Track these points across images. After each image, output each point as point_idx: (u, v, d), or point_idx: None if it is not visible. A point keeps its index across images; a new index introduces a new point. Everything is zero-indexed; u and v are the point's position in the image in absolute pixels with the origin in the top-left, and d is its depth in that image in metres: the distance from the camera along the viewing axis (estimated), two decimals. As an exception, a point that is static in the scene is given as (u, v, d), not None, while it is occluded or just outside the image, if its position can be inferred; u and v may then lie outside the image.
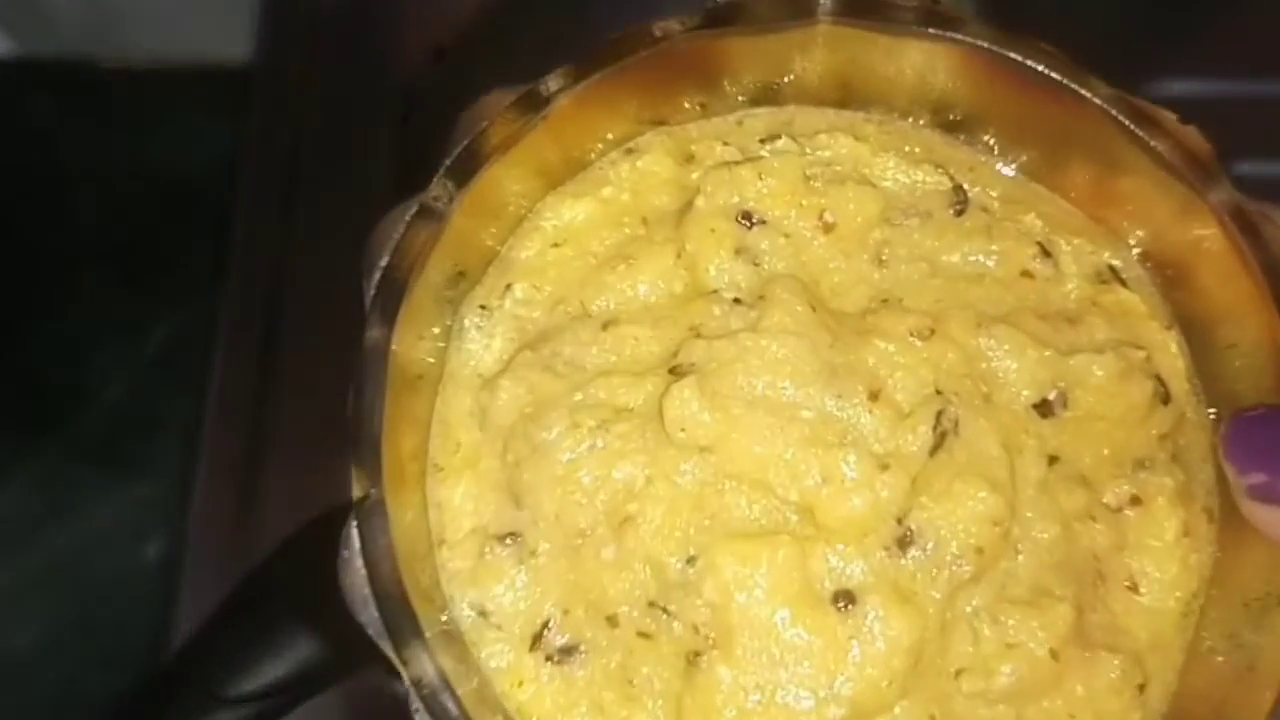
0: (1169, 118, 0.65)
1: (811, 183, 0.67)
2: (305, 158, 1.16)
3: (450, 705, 0.56)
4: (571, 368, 0.65)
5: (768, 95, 0.72)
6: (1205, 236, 0.64)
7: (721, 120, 0.72)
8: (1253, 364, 0.63)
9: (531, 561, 0.62)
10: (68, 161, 1.32)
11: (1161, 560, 0.64)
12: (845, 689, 0.58)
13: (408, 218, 0.62)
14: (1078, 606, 0.61)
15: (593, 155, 0.71)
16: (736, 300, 0.65)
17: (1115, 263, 0.69)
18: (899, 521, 0.60)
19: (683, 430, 0.61)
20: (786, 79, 0.70)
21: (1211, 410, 0.67)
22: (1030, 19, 0.67)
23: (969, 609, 0.61)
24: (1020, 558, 0.62)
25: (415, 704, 0.56)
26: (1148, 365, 0.65)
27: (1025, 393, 0.64)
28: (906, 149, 0.71)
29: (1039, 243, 0.67)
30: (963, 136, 0.71)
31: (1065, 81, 0.65)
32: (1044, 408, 0.64)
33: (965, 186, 0.69)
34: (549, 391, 0.64)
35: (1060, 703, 0.61)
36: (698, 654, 0.60)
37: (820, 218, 0.67)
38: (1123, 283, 0.68)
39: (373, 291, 0.61)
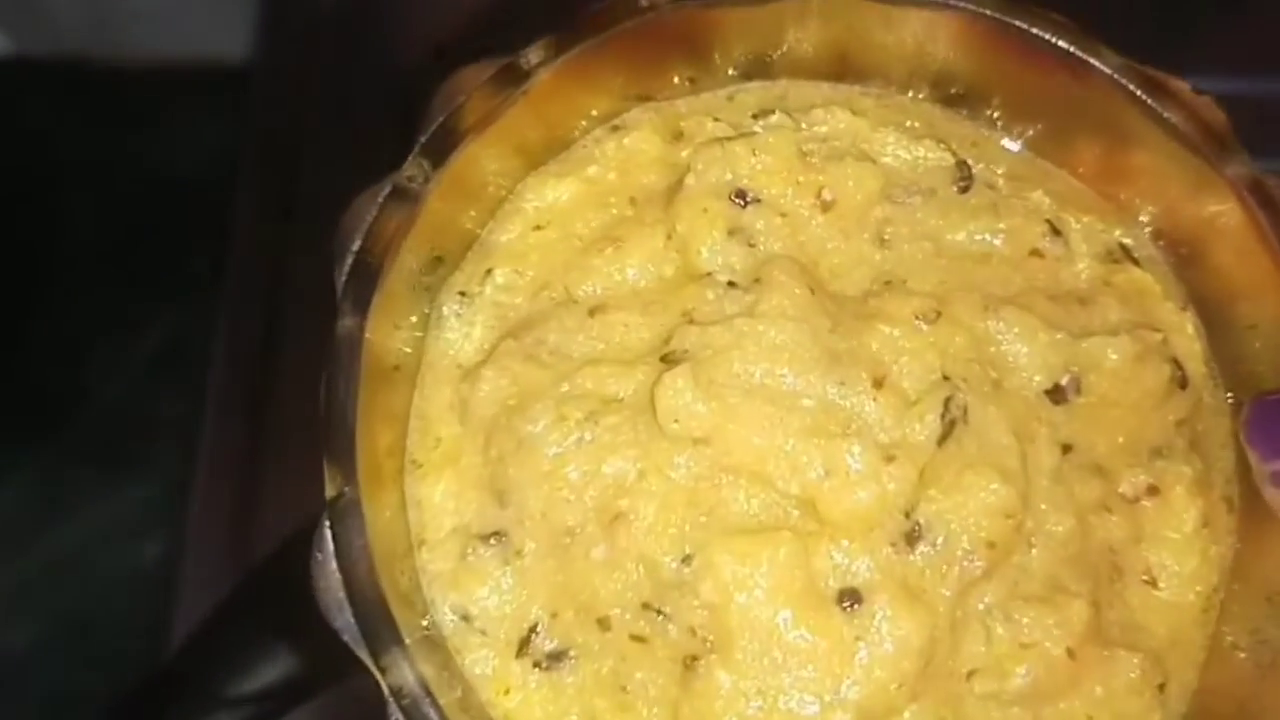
0: (1182, 87, 0.62)
1: (808, 159, 0.65)
2: (305, 158, 1.16)
3: (432, 715, 0.53)
4: (557, 357, 0.62)
5: (760, 69, 0.69)
6: (1221, 212, 0.62)
7: (711, 95, 0.69)
8: (1274, 344, 0.61)
9: (517, 562, 0.60)
10: (67, 161, 1.32)
11: (1180, 553, 0.62)
12: (852, 693, 0.56)
13: (380, 199, 0.60)
14: (1094, 603, 0.58)
15: (576, 133, 0.68)
16: (731, 283, 0.62)
17: (1127, 241, 0.66)
18: (907, 515, 0.58)
19: (676, 421, 0.58)
20: (779, 51, 0.68)
21: (1230, 395, 0.64)
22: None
23: (981, 607, 0.58)
24: (1034, 552, 0.59)
25: (395, 714, 0.53)
26: (1164, 348, 0.63)
27: (1037, 378, 0.61)
28: (907, 124, 0.68)
29: (1048, 220, 0.65)
30: (965, 111, 0.69)
31: (1073, 50, 0.63)
32: (1056, 394, 0.61)
33: (969, 162, 0.67)
34: (533, 382, 0.61)
35: (1078, 704, 0.58)
36: (695, 658, 0.57)
37: (818, 195, 0.64)
38: (1135, 262, 0.66)
39: (344, 278, 0.59)
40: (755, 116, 0.67)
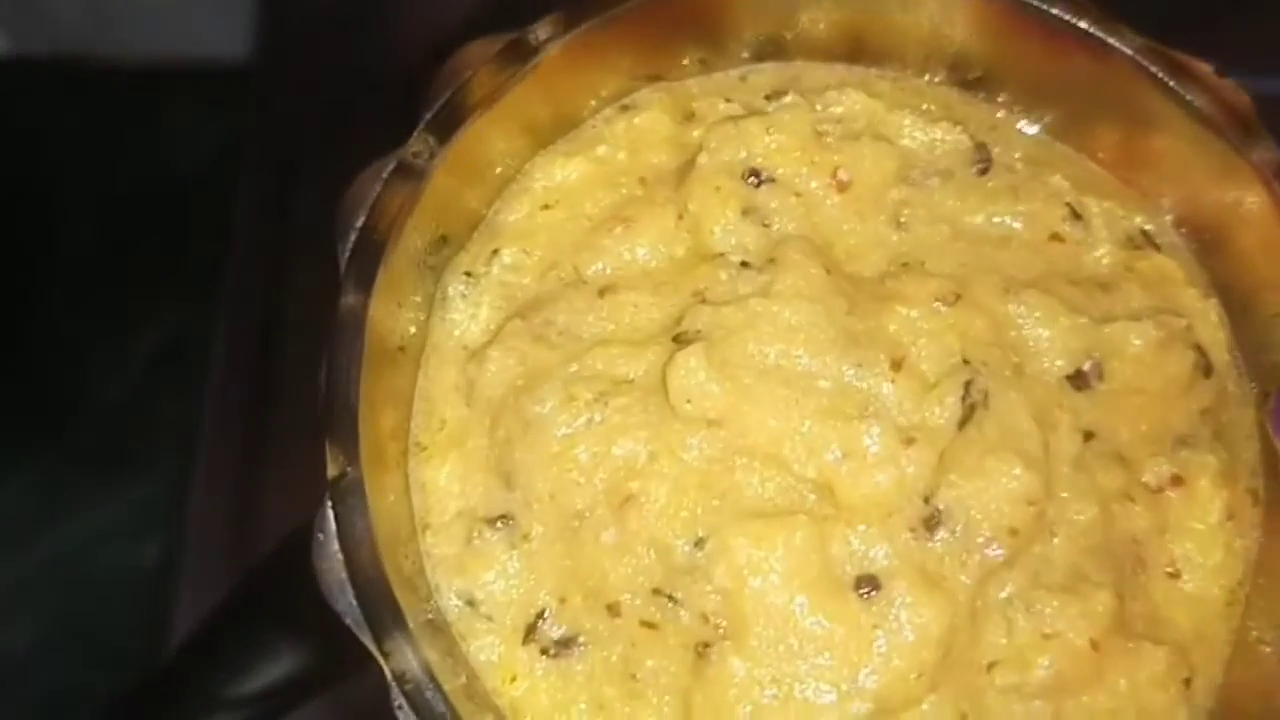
0: (1205, 69, 0.61)
1: (824, 138, 0.64)
2: (305, 158, 1.15)
3: (436, 702, 0.52)
4: (566, 337, 0.61)
5: (773, 49, 0.68)
6: (1246, 198, 0.61)
7: (723, 76, 0.68)
8: (1301, 334, 0.60)
9: (524, 546, 0.58)
10: (66, 161, 1.32)
11: (1205, 545, 0.60)
12: (870, 682, 0.54)
13: (384, 175, 0.58)
14: (1118, 593, 0.57)
15: (585, 112, 0.67)
16: (744, 264, 0.61)
17: (1148, 227, 0.65)
18: (926, 500, 0.56)
19: (689, 402, 0.56)
20: (793, 32, 0.67)
21: (1254, 385, 0.63)
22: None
23: (1002, 596, 0.56)
24: (1056, 540, 0.57)
25: (398, 699, 0.51)
26: (1188, 334, 0.62)
27: (1058, 363, 0.60)
28: (923, 107, 0.67)
29: (1068, 204, 0.64)
30: (982, 94, 0.68)
31: (1093, 30, 0.62)
32: (1078, 379, 0.60)
33: (987, 145, 0.65)
34: (542, 362, 0.60)
35: (1102, 698, 0.56)
36: (708, 645, 0.55)
37: (834, 176, 0.63)
38: (1156, 248, 0.64)
39: (347, 254, 0.57)
40: (768, 97, 0.66)
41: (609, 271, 0.62)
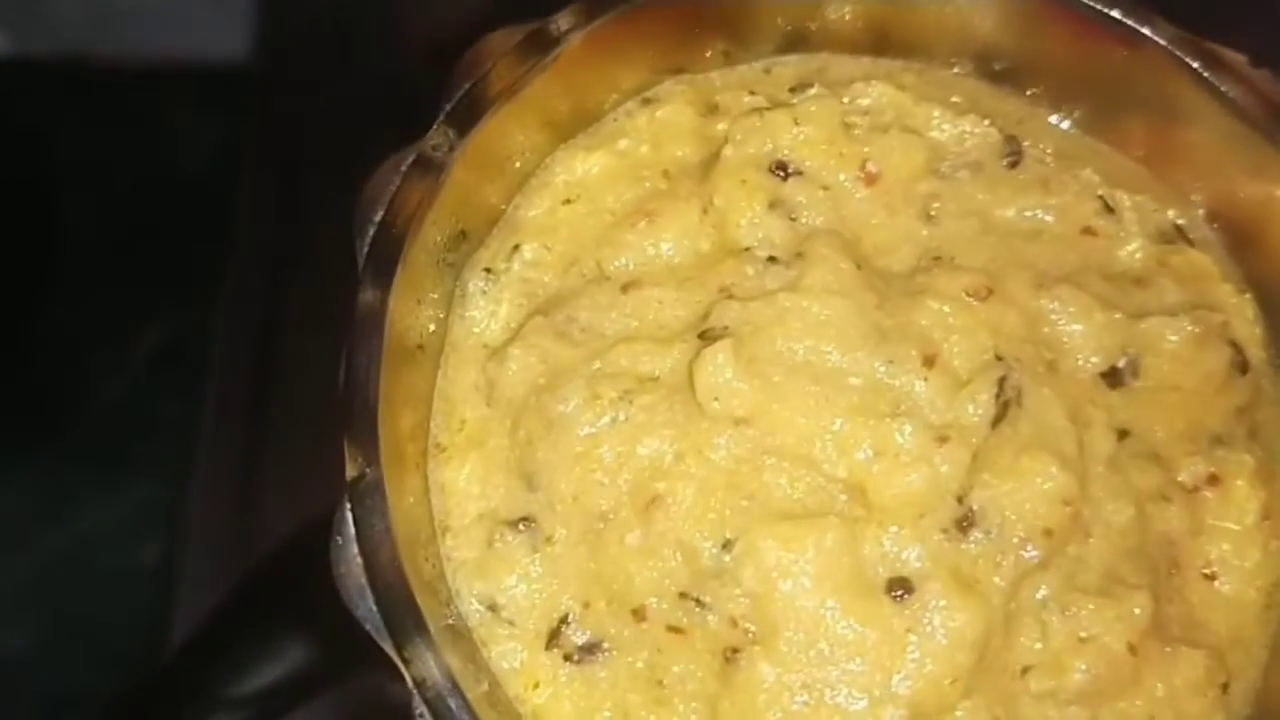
0: (1239, 60, 0.60)
1: (852, 130, 0.63)
2: (305, 158, 1.14)
3: (458, 709, 0.50)
4: (588, 334, 0.59)
5: (797, 41, 0.67)
6: (1280, 192, 0.60)
7: (747, 68, 0.67)
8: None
9: (547, 549, 0.57)
10: (67, 161, 1.31)
11: (1241, 546, 0.59)
12: (903, 688, 0.53)
13: (404, 168, 0.57)
14: (1155, 596, 0.55)
15: (606, 106, 0.66)
16: (771, 258, 0.60)
17: (1181, 222, 0.64)
18: (959, 500, 0.55)
19: (716, 400, 0.55)
20: (817, 23, 0.66)
21: None
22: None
23: (1037, 598, 0.55)
24: (1091, 542, 0.56)
25: (419, 707, 0.50)
26: (1224, 331, 0.60)
27: (1093, 360, 0.59)
28: (951, 99, 0.66)
29: (1100, 196, 0.63)
30: (1010, 87, 0.67)
31: (1125, 20, 0.61)
32: (1113, 376, 0.59)
33: (1017, 137, 0.64)
34: (564, 360, 0.58)
35: (1139, 703, 0.55)
36: (736, 650, 0.54)
37: (862, 168, 0.62)
38: (1190, 243, 0.63)
39: (366, 249, 0.56)
40: (793, 90, 0.65)
41: (632, 267, 0.61)
